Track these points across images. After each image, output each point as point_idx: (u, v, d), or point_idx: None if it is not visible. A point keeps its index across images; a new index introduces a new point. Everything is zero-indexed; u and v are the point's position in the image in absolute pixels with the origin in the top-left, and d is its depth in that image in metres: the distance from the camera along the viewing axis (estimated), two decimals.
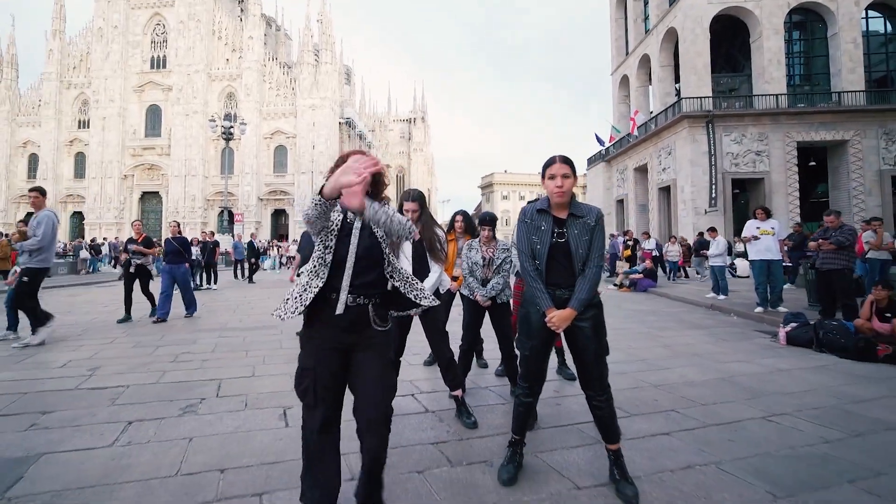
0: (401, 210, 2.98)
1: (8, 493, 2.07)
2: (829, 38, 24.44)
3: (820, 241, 5.80)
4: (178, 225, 7.87)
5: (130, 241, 7.18)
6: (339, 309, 1.71)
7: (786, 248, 9.91)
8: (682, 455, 2.49)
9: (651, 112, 28.56)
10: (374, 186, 1.80)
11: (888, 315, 4.74)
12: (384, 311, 1.82)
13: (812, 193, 25.31)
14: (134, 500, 2.03)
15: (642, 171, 28.25)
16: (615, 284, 11.94)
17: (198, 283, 12.51)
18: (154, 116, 48.70)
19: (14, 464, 2.35)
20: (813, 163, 24.25)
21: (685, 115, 23.68)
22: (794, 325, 5.30)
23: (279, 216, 47.54)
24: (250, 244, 15.27)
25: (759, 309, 7.09)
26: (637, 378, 3.97)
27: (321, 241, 1.75)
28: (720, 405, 3.30)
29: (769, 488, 2.13)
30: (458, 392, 3.03)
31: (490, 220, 3.41)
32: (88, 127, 50.23)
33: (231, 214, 30.17)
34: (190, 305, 7.50)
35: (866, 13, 24.10)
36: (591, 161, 33.90)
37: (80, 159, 51.69)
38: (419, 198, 3.09)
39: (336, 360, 1.75)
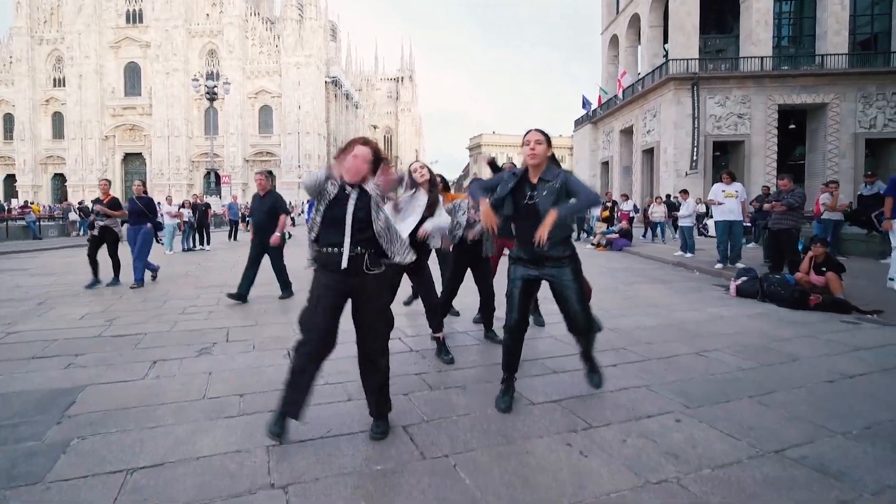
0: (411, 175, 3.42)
1: (67, 413, 2.51)
2: None
3: (773, 202, 6.28)
4: (143, 184, 7.59)
5: (97, 201, 6.71)
6: (344, 263, 2.11)
7: (753, 209, 10.43)
8: (622, 380, 3.00)
9: (639, 74, 28.37)
10: (374, 164, 2.19)
11: (823, 269, 5.28)
12: (377, 259, 2.22)
13: (790, 156, 25.81)
14: (171, 416, 2.47)
15: (628, 133, 28.39)
16: (592, 244, 12.47)
17: (191, 244, 12.78)
18: (133, 74, 46.93)
19: (65, 392, 2.78)
20: (793, 125, 24.60)
21: (671, 78, 23.62)
22: (743, 278, 5.83)
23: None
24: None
25: (718, 265, 7.65)
26: None
27: (317, 206, 2.18)
28: (663, 344, 3.82)
29: (683, 401, 2.65)
30: (440, 334, 3.50)
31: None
32: (64, 85, 48.18)
33: (217, 176, 29.81)
34: (137, 272, 6.49)
35: None
36: (578, 123, 33.87)
37: (57, 119, 49.85)
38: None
39: (333, 298, 2.16)
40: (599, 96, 30.00)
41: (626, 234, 12.07)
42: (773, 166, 23.03)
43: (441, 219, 3.31)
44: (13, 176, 49.75)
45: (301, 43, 43.03)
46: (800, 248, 6.61)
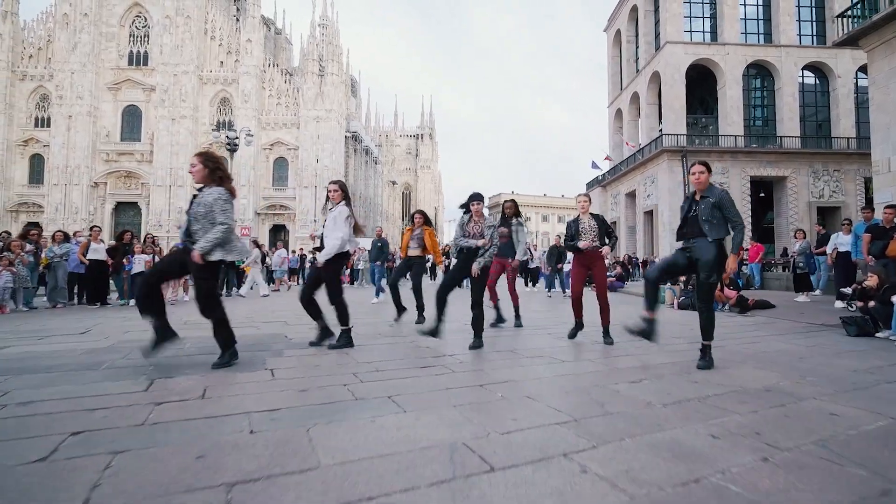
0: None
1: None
2: (776, 90, 38.13)
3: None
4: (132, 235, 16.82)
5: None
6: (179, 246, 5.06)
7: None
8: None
9: (640, 144, 41.65)
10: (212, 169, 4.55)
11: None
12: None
13: (763, 220, 39.13)
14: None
15: (632, 196, 41.33)
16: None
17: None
18: (132, 118, 56.14)
19: None
20: (762, 194, 38.01)
21: (665, 150, 36.43)
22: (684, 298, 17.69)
23: (278, 231, 56.69)
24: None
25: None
26: None
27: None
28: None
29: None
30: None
31: (477, 197, 5.88)
32: (49, 126, 55.88)
33: None
34: None
35: (802, 72, 37.98)
36: (590, 185, 46.95)
37: (36, 162, 57.36)
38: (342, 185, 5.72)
39: (171, 267, 4.81)
40: (607, 157, 43.04)
41: (621, 278, 23.67)
42: (751, 229, 36.07)
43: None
44: None
45: (322, 97, 54.04)
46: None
